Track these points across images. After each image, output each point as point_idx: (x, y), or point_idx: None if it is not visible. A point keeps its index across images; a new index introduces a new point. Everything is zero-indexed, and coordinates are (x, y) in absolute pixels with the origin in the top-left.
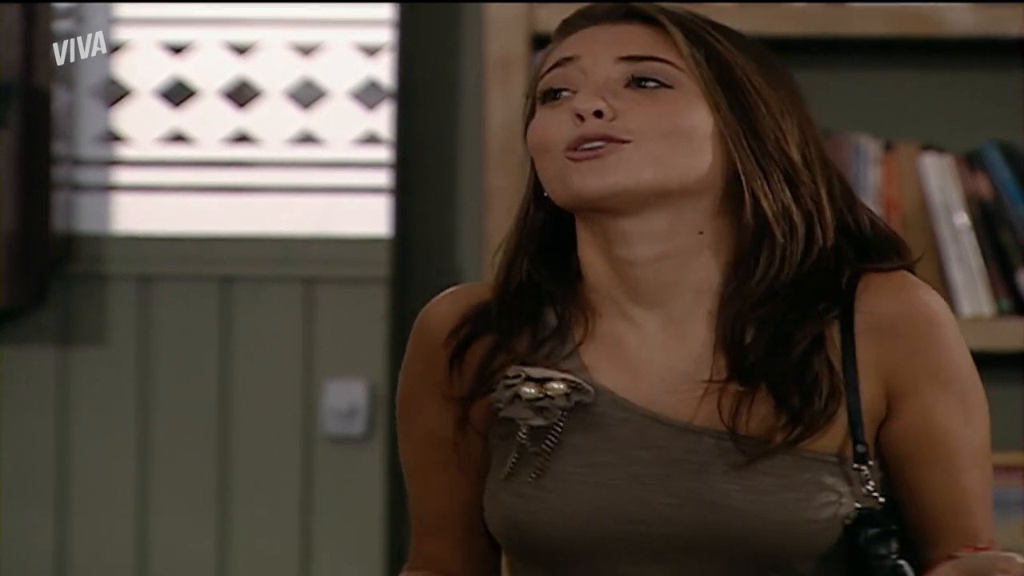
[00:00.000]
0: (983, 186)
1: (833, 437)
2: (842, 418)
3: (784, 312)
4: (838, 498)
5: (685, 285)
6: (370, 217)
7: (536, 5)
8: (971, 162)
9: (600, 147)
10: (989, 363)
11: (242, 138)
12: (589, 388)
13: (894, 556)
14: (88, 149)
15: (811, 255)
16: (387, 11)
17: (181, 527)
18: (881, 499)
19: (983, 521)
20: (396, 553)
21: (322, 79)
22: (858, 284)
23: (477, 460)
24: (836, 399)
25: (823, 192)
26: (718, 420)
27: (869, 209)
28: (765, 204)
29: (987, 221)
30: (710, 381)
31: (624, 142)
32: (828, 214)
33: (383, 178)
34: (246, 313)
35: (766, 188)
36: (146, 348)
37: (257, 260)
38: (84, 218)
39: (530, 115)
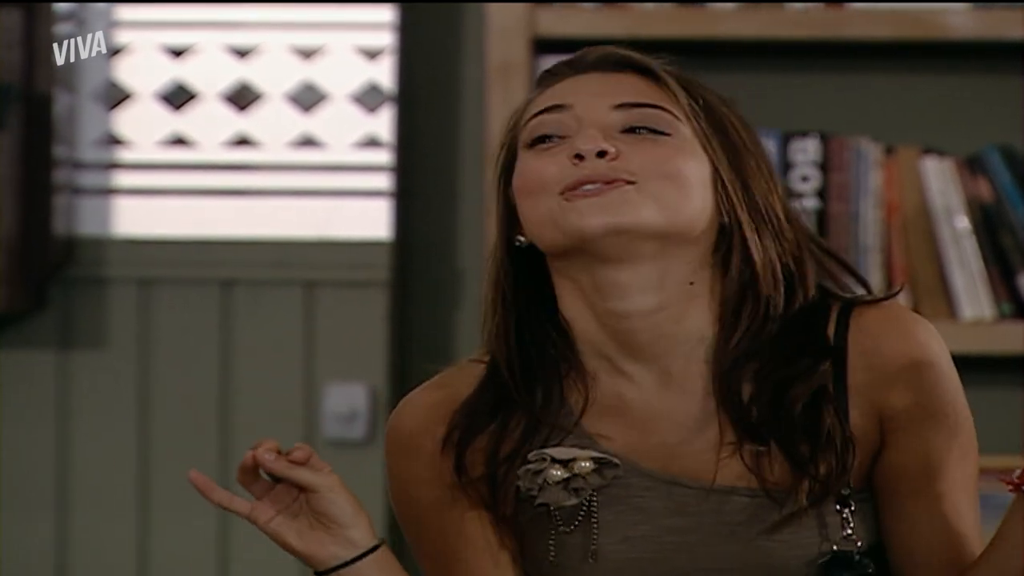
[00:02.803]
0: (984, 189)
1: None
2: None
3: (779, 364)
4: (833, 534)
5: (680, 337)
6: (370, 220)
7: (537, 9)
8: (972, 165)
9: (601, 187)
10: (990, 367)
11: (243, 141)
12: (616, 461)
13: None
14: (89, 152)
15: (792, 307)
16: (388, 14)
17: (181, 531)
18: (859, 543)
19: (977, 547)
20: (396, 556)
21: (323, 82)
22: (851, 319)
23: (512, 546)
24: (850, 452)
25: (803, 247)
26: (736, 477)
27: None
28: (755, 257)
29: (988, 224)
30: (722, 441)
31: (628, 183)
32: (808, 270)
33: (383, 181)
34: (246, 316)
35: (757, 241)
36: (146, 352)
37: (257, 263)
38: (85, 221)
39: (505, 166)
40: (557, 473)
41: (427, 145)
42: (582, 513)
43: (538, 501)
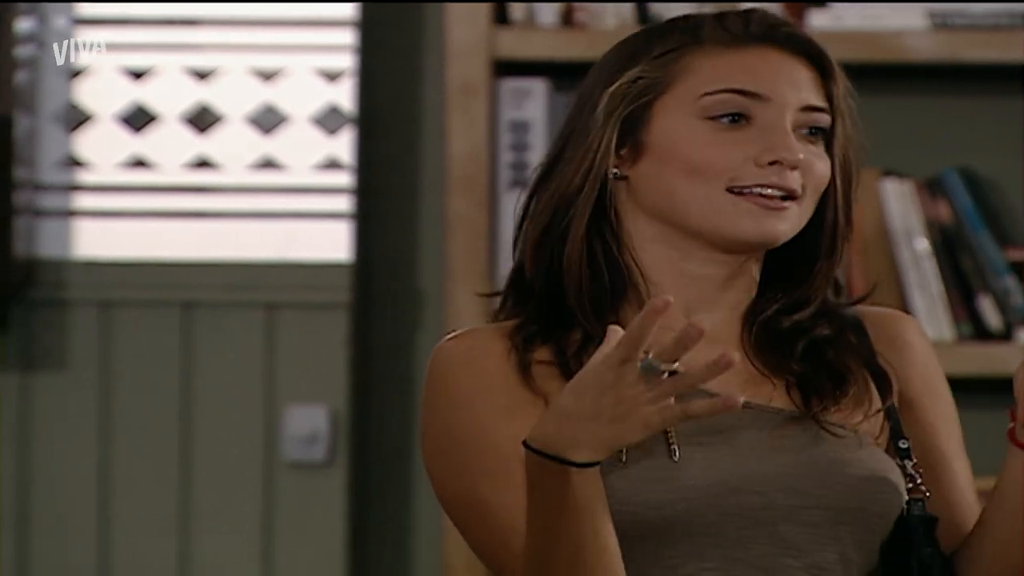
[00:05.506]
0: (943, 212)
1: (876, 430)
2: (877, 416)
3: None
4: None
5: (732, 295)
6: (331, 242)
7: (497, 32)
8: (932, 188)
9: (786, 199)
10: (950, 389)
11: (203, 163)
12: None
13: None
14: (49, 174)
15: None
16: (348, 37)
17: (143, 552)
18: (927, 492)
19: (974, 514)
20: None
21: (283, 104)
22: (858, 314)
23: None
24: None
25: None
26: (789, 404)
27: None
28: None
29: (948, 247)
30: (773, 372)
31: (798, 198)
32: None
33: (344, 203)
34: (207, 338)
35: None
36: (107, 374)
37: (218, 285)
38: (45, 243)
39: (638, 96)
40: None
41: (387, 167)
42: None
43: None
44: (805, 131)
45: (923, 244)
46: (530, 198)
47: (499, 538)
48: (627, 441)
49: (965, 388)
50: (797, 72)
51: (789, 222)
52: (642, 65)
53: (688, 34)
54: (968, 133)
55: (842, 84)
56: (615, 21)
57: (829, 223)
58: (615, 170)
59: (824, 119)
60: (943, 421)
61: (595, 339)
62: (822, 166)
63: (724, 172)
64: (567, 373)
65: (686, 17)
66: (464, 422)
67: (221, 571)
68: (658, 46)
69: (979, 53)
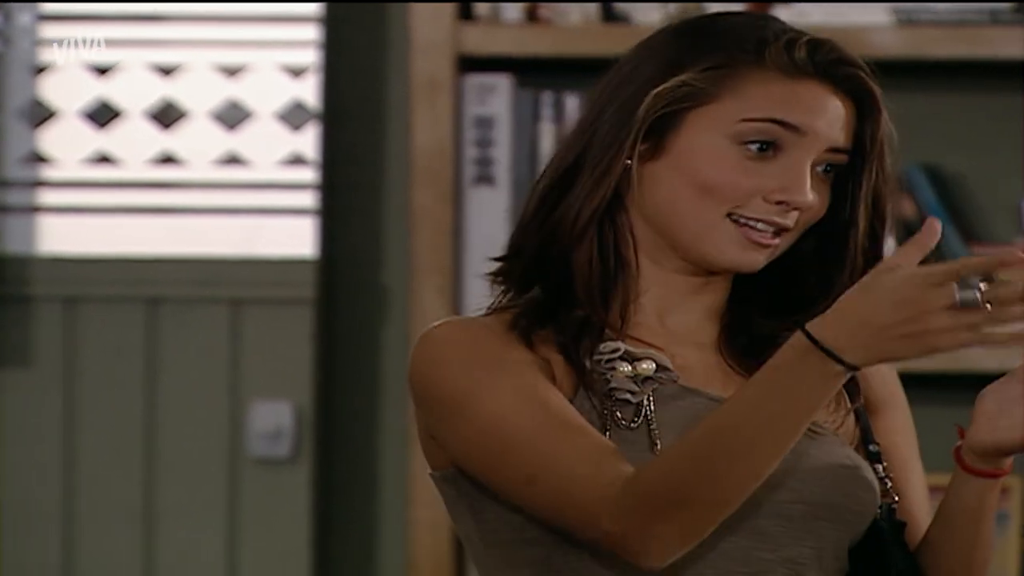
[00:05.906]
0: (908, 208)
1: (848, 434)
2: (849, 420)
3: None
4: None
5: (707, 297)
6: (296, 238)
7: (462, 28)
8: (896, 184)
9: (777, 234)
10: (913, 384)
11: (168, 159)
12: (673, 369)
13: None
14: (13, 170)
15: None
16: (312, 33)
17: (108, 548)
18: (896, 498)
19: (927, 517)
20: (322, 574)
21: (248, 100)
22: None
23: None
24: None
25: None
26: None
27: None
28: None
29: None
30: (749, 372)
31: (787, 231)
32: None
33: (309, 199)
34: (172, 334)
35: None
36: (72, 370)
37: (183, 281)
38: (10, 239)
39: (684, 99)
40: (624, 368)
41: (352, 162)
42: (642, 411)
43: (613, 384)
44: (820, 168)
45: (888, 241)
46: (552, 189)
47: (586, 447)
48: (905, 358)
49: (930, 384)
50: (838, 110)
51: (768, 254)
52: (692, 72)
53: (749, 50)
54: (933, 130)
55: (884, 126)
56: (579, 17)
57: (848, 269)
58: (627, 161)
59: (843, 159)
60: (902, 427)
61: (593, 323)
62: (819, 205)
63: (732, 200)
64: (564, 352)
65: (746, 19)
66: (475, 375)
67: (186, 566)
68: (712, 54)
69: (944, 49)
